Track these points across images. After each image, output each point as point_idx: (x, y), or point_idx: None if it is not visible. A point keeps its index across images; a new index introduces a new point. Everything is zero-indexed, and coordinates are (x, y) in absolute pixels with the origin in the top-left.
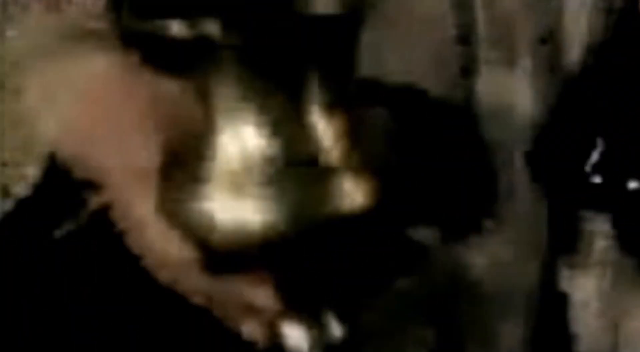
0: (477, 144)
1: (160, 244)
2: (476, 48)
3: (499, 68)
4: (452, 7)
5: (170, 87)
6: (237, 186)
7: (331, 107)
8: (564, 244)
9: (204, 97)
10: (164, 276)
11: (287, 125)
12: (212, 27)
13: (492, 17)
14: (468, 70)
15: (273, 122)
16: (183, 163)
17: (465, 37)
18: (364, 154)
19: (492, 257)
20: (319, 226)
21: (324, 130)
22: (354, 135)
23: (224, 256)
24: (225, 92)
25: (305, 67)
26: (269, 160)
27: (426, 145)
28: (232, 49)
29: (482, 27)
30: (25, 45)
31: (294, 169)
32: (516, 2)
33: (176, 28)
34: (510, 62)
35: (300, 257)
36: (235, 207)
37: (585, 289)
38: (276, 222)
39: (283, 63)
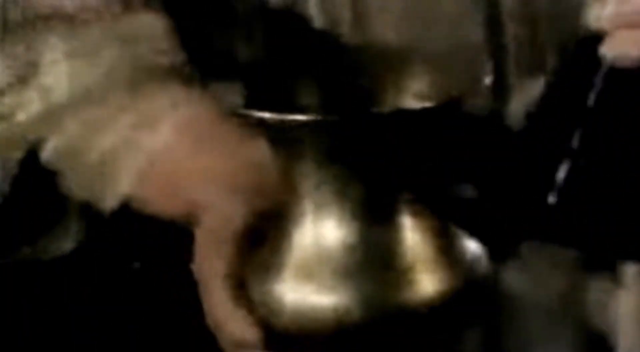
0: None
1: (223, 315)
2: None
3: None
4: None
5: (264, 154)
6: (310, 271)
7: (416, 205)
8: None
9: (288, 174)
10: (221, 341)
11: (370, 217)
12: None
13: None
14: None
15: (354, 212)
16: (260, 237)
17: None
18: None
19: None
20: (390, 315)
21: (407, 227)
22: (438, 235)
23: (290, 339)
24: (308, 173)
25: (392, 162)
26: (346, 250)
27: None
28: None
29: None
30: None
31: (371, 260)
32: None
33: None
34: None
35: (370, 346)
36: (306, 292)
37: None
38: (348, 309)
39: (370, 157)
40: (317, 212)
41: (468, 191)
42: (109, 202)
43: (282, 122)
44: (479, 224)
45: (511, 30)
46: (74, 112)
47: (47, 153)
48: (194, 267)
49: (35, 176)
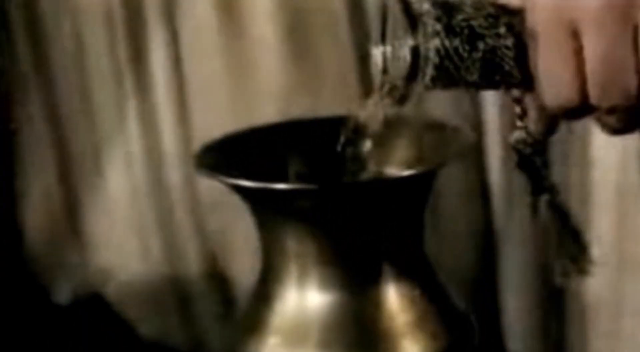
0: None
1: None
2: None
3: None
4: None
5: None
6: (293, 336)
7: (398, 271)
8: None
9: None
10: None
11: (352, 284)
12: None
13: None
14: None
15: (336, 279)
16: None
17: None
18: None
19: None
20: None
21: (389, 294)
22: (420, 301)
23: None
24: (290, 240)
25: (374, 230)
26: (329, 316)
27: None
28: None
29: None
30: None
31: (354, 326)
32: None
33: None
34: None
35: None
36: None
37: None
38: None
39: (352, 225)
40: (300, 278)
41: None
42: None
43: (265, 190)
44: None
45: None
46: None
47: None
48: None
49: None
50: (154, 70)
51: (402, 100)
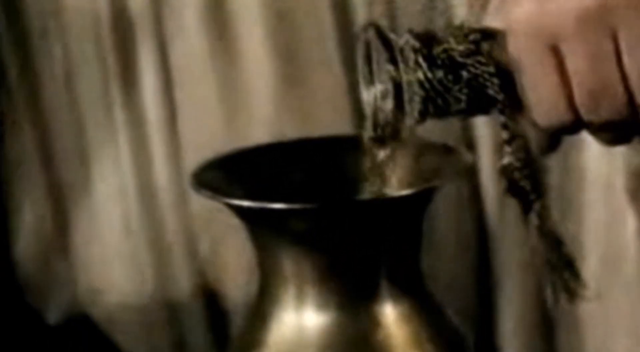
0: None
1: None
2: None
3: None
4: None
5: None
6: None
7: (396, 291)
8: None
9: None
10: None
11: (350, 304)
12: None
13: None
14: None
15: (334, 298)
16: None
17: None
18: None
19: None
20: None
21: (386, 313)
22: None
23: None
24: (289, 260)
25: (373, 249)
26: (327, 336)
27: None
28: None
29: None
30: None
31: (351, 346)
32: None
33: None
34: None
35: None
36: None
37: None
38: None
39: (350, 244)
40: (296, 298)
41: None
42: None
43: (263, 209)
44: None
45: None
46: None
47: None
48: None
49: None
50: (145, 97)
51: (394, 136)
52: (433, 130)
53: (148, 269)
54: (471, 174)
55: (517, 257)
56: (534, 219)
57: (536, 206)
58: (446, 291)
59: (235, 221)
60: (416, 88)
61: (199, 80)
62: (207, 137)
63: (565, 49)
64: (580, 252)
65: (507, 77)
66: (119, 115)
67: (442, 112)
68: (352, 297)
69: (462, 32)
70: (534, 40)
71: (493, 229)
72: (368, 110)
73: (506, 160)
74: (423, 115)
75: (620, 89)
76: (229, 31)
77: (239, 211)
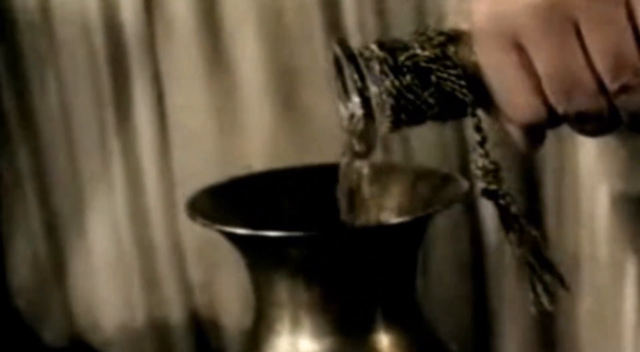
0: None
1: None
2: None
3: None
4: None
5: None
6: None
7: (391, 319)
8: None
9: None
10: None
11: (345, 332)
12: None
13: None
14: None
15: (329, 326)
16: None
17: None
18: None
19: None
20: None
21: (381, 341)
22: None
23: None
24: (284, 287)
25: (368, 277)
26: None
27: None
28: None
29: None
30: None
31: None
32: None
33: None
34: None
35: None
36: None
37: None
38: None
39: (346, 271)
40: (293, 325)
41: None
42: None
43: (260, 238)
44: None
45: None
46: None
47: None
48: None
49: None
50: (139, 127)
51: (369, 148)
52: (429, 157)
53: (140, 300)
54: (467, 200)
55: (515, 282)
56: (511, 223)
57: (513, 209)
58: (443, 316)
59: (228, 250)
60: (385, 97)
61: (194, 112)
62: (201, 167)
63: (528, 45)
64: (577, 255)
65: (475, 78)
66: (114, 145)
67: (416, 119)
68: (347, 325)
69: (427, 37)
70: (497, 39)
71: (490, 254)
72: (345, 126)
73: (478, 162)
74: (396, 124)
75: (588, 77)
76: (225, 63)
77: (236, 239)
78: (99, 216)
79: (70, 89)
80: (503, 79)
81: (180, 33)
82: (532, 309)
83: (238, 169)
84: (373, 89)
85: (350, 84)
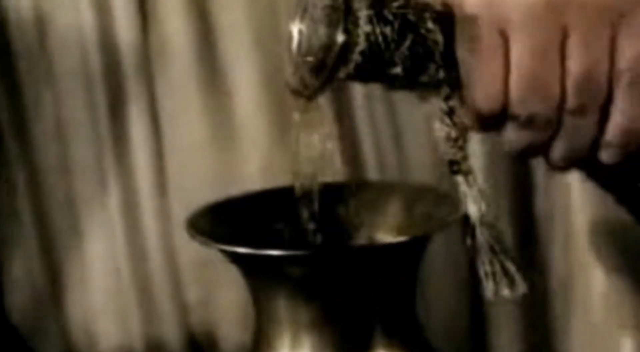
0: None
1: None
2: None
3: None
4: None
5: None
6: None
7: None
8: None
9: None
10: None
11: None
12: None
13: None
14: None
15: (328, 345)
16: None
17: None
18: None
19: None
20: None
21: None
22: None
23: None
24: (283, 306)
25: (366, 295)
26: None
27: None
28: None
29: None
30: None
31: None
32: None
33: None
34: None
35: None
36: None
37: None
38: None
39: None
40: (293, 343)
41: None
42: None
43: (261, 256)
44: None
45: None
46: None
47: None
48: None
49: None
50: (135, 148)
51: (313, 90)
52: (427, 175)
53: (136, 318)
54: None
55: (514, 301)
56: (473, 211)
57: (473, 192)
58: (442, 335)
59: (224, 268)
60: (361, 40)
61: (190, 130)
62: (197, 185)
63: (513, 37)
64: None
65: (449, 51)
66: (109, 164)
67: (375, 73)
68: (347, 343)
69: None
70: (483, 19)
71: None
72: (295, 52)
73: (442, 131)
74: (357, 71)
75: (556, 88)
76: (220, 82)
77: (237, 258)
78: (95, 234)
79: (66, 108)
80: (480, 58)
81: (176, 52)
82: (489, 295)
83: (234, 188)
84: (356, 31)
85: (319, 14)
